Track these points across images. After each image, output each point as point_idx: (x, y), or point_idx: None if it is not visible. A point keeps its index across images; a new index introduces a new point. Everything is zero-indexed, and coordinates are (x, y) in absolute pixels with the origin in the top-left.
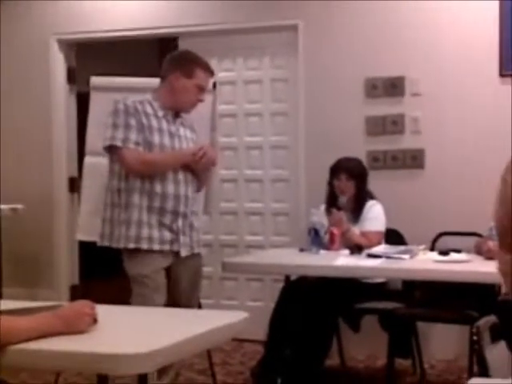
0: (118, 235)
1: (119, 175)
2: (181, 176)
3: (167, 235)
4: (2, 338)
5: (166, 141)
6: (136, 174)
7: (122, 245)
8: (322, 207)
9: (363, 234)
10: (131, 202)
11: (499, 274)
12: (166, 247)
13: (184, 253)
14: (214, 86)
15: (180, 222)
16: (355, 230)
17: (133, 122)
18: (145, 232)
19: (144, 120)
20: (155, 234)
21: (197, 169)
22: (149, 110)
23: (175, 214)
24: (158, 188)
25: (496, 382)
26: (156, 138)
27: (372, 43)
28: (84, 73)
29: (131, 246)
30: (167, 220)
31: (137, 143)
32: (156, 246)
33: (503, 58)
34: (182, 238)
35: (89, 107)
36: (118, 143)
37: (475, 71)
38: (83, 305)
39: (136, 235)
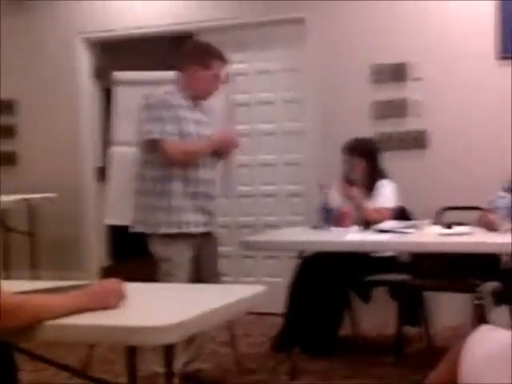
0: (154, 221)
1: (153, 164)
2: (208, 161)
3: (201, 218)
4: (38, 315)
5: (193, 129)
6: (176, 163)
7: (161, 230)
8: (335, 186)
9: (375, 209)
10: (168, 189)
11: None
12: (201, 229)
13: (215, 232)
14: (228, 76)
15: (211, 204)
16: (369, 205)
17: (166, 114)
18: (184, 217)
19: (174, 112)
20: (192, 218)
21: (223, 153)
22: (176, 101)
23: (207, 196)
24: (192, 174)
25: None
26: (186, 128)
27: (376, 32)
28: (107, 68)
29: (174, 230)
30: (201, 203)
31: (173, 134)
32: (193, 229)
33: (501, 41)
34: (213, 220)
35: (112, 101)
36: (157, 136)
37: (473, 55)
38: (111, 283)
39: (177, 220)
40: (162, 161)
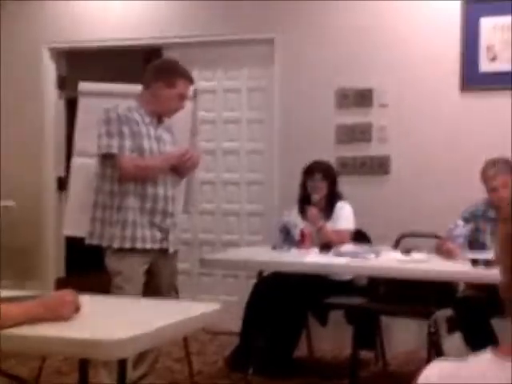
0: (110, 235)
1: (111, 178)
2: (168, 178)
3: (158, 234)
4: None
5: (154, 145)
6: (132, 179)
7: (116, 244)
8: (295, 209)
9: (335, 231)
10: (125, 204)
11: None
12: (157, 246)
13: (171, 249)
14: (195, 93)
15: (168, 221)
16: (328, 227)
17: (126, 129)
18: (139, 232)
19: (135, 127)
20: (147, 233)
21: (182, 170)
22: (137, 117)
23: (164, 213)
24: (149, 190)
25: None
26: (146, 144)
27: (344, 56)
28: (73, 79)
29: (127, 245)
30: (158, 220)
31: (131, 150)
32: (148, 245)
33: (464, 74)
34: (170, 237)
35: (76, 111)
36: (115, 151)
37: (438, 85)
38: (66, 294)
39: (132, 235)
40: (119, 175)
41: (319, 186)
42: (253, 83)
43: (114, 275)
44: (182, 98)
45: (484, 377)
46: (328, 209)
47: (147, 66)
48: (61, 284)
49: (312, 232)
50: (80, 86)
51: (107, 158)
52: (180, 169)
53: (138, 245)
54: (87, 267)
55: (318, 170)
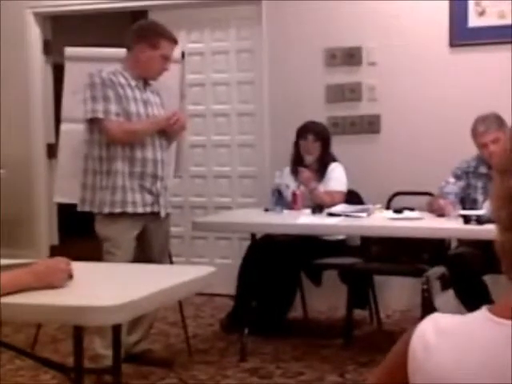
0: (100, 200)
1: (99, 144)
2: (157, 141)
3: (148, 198)
4: None
5: (141, 109)
6: (119, 143)
7: (106, 209)
8: (287, 169)
9: (327, 193)
10: (114, 169)
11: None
12: (148, 209)
13: (163, 213)
14: (183, 56)
15: (159, 185)
16: (320, 189)
17: (110, 93)
18: (129, 196)
19: (120, 91)
20: (138, 197)
21: (170, 133)
22: (122, 80)
23: (154, 177)
24: (138, 154)
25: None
26: (133, 107)
27: (331, 15)
28: (59, 44)
29: (118, 210)
30: (148, 183)
31: (117, 114)
32: (140, 209)
33: (453, 29)
34: (161, 200)
35: (64, 77)
36: (100, 115)
37: (427, 42)
38: (58, 261)
39: (122, 200)
40: (107, 140)
41: (312, 147)
42: (241, 44)
43: (103, 241)
44: (166, 59)
45: (477, 335)
46: (321, 170)
47: (129, 29)
48: (55, 252)
49: (304, 193)
50: (66, 52)
51: (93, 123)
52: (168, 132)
53: (129, 209)
54: (81, 233)
55: (311, 131)
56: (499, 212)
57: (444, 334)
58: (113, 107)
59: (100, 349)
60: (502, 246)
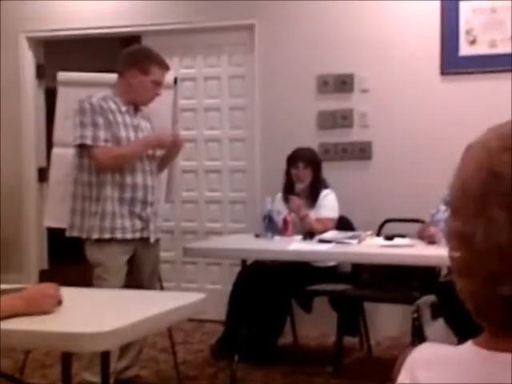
0: (89, 226)
1: (89, 169)
2: (147, 167)
3: (138, 223)
4: None
5: (132, 134)
6: (108, 169)
7: (95, 235)
8: (279, 195)
9: (319, 220)
10: (103, 195)
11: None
12: (137, 235)
13: (153, 239)
14: (175, 81)
15: (149, 210)
16: (312, 216)
17: (100, 120)
18: (118, 222)
19: (110, 117)
20: (127, 223)
21: (168, 155)
22: (112, 106)
23: (144, 203)
24: (128, 179)
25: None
26: (123, 133)
27: (323, 42)
28: (52, 69)
29: (107, 236)
30: (137, 209)
31: (106, 140)
32: (129, 235)
33: (444, 58)
34: (151, 226)
35: (56, 101)
36: (89, 142)
37: (418, 69)
38: (47, 287)
39: (111, 226)
40: (96, 166)
41: (303, 174)
42: (233, 70)
43: (94, 266)
44: (157, 84)
45: (464, 369)
46: (312, 197)
47: (120, 54)
48: (44, 276)
49: (295, 220)
50: (59, 76)
51: (82, 149)
52: (167, 153)
53: (118, 235)
54: (71, 258)
55: (301, 158)
56: (452, 253)
57: (432, 368)
58: (102, 133)
59: (88, 375)
60: (460, 293)
